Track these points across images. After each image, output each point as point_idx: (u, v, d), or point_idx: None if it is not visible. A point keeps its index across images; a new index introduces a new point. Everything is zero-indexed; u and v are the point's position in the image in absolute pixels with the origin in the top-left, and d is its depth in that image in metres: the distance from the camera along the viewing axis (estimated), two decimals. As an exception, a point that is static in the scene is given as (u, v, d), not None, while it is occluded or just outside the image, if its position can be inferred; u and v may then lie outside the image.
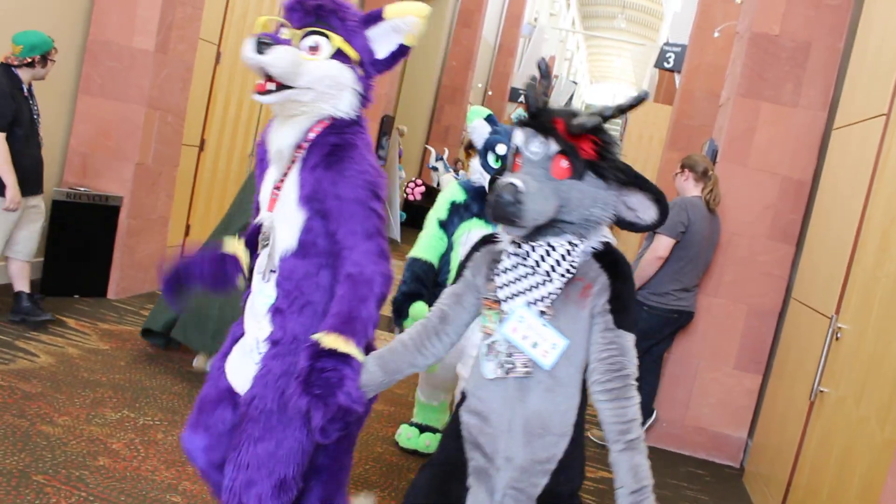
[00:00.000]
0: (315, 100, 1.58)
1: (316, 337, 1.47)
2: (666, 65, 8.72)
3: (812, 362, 3.02)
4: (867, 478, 2.34)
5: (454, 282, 1.62)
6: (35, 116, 3.71)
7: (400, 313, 2.62)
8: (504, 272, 1.49)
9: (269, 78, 1.54)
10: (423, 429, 3.18)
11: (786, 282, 3.86)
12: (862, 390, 2.52)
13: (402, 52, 1.66)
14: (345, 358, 1.45)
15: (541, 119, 1.42)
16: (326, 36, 1.58)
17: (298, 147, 1.61)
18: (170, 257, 1.90)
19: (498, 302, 1.49)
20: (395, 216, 9.89)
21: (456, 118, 12.36)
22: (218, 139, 5.84)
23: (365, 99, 1.66)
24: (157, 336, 3.73)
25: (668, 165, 6.71)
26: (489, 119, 2.74)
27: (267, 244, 1.65)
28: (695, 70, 7.08)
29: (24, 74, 3.62)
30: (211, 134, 5.71)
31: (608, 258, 1.48)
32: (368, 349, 1.57)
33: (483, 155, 2.70)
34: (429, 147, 10.92)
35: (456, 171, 8.97)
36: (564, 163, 1.40)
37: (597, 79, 37.63)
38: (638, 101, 1.38)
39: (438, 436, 2.99)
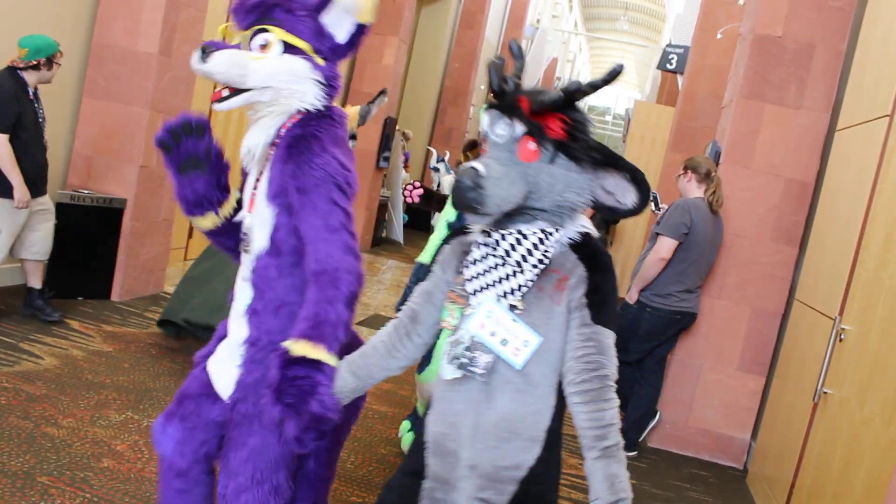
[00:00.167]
0: (276, 97, 1.55)
1: (286, 344, 1.41)
2: (668, 66, 8.71)
3: (815, 363, 3.02)
4: (871, 479, 2.34)
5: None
6: (40, 120, 3.73)
7: None
8: (473, 263, 1.38)
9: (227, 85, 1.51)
10: None
11: (789, 283, 3.86)
12: (865, 391, 2.52)
13: (360, 31, 1.59)
14: (316, 364, 1.38)
15: (505, 99, 1.32)
16: (272, 31, 1.54)
17: (272, 145, 1.59)
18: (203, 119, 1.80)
19: (466, 297, 1.38)
20: (398, 219, 9.91)
21: (459, 120, 12.36)
22: (221, 142, 5.83)
23: (330, 87, 1.61)
24: (171, 326, 3.95)
25: (670, 167, 6.72)
26: None
27: (248, 247, 1.63)
28: (697, 72, 7.08)
29: (29, 77, 3.64)
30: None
31: (586, 249, 1.36)
32: (351, 349, 1.52)
33: None
34: (430, 148, 10.93)
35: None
36: (532, 145, 1.29)
37: (599, 80, 37.60)
38: (612, 77, 1.27)
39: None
